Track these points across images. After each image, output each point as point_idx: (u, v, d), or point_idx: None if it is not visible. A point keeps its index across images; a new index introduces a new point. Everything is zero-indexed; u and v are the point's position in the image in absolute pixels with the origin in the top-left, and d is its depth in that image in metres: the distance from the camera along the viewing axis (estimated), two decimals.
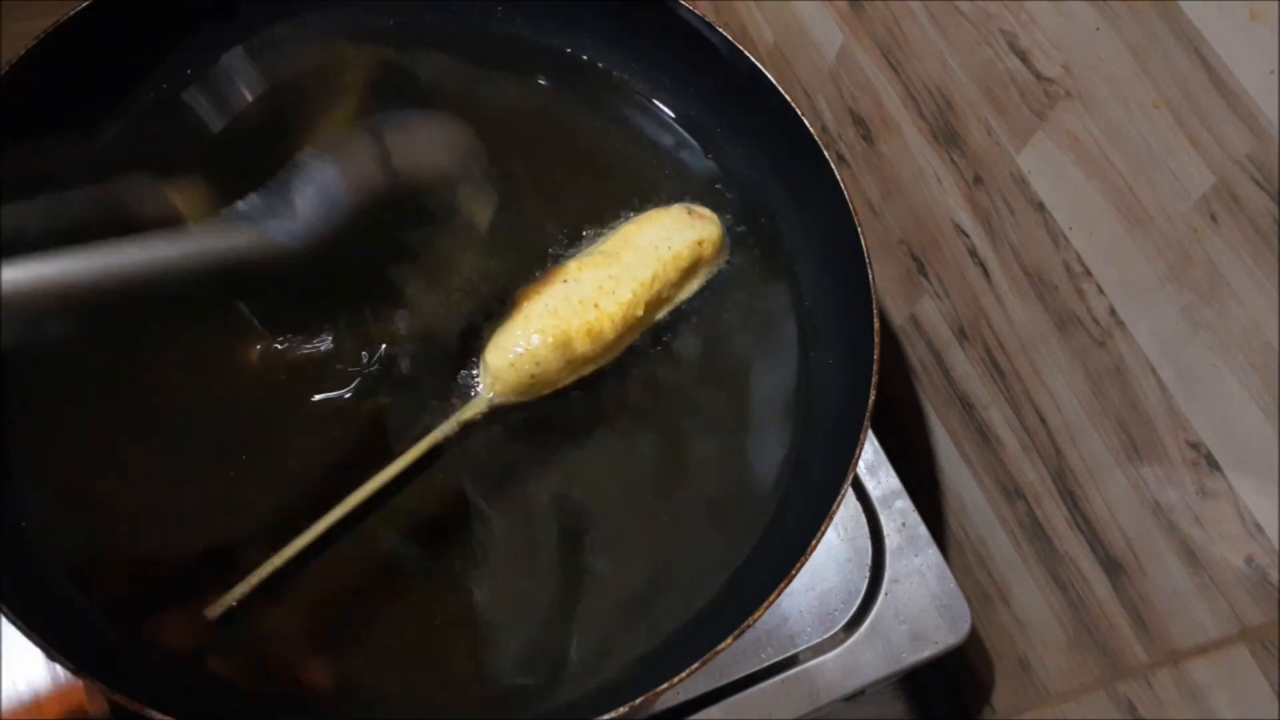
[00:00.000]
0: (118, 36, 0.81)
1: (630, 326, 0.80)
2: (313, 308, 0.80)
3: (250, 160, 0.85)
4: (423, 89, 0.90)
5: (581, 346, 0.77)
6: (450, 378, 0.78)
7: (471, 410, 0.77)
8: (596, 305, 0.77)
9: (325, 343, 0.79)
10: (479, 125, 0.90)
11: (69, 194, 0.73)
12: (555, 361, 0.77)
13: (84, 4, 0.78)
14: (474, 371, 0.78)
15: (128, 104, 0.84)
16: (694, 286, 0.84)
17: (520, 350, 0.76)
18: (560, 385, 0.79)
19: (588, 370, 0.79)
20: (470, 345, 0.79)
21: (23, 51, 0.76)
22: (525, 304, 0.78)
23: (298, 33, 0.89)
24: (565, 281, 0.78)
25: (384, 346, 0.79)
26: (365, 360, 0.78)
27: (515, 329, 0.77)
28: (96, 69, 0.81)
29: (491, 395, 0.77)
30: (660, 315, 0.83)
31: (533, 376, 0.76)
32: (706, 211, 0.84)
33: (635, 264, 0.79)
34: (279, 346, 0.78)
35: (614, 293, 0.78)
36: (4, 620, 0.63)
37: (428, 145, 0.81)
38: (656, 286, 0.80)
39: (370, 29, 0.91)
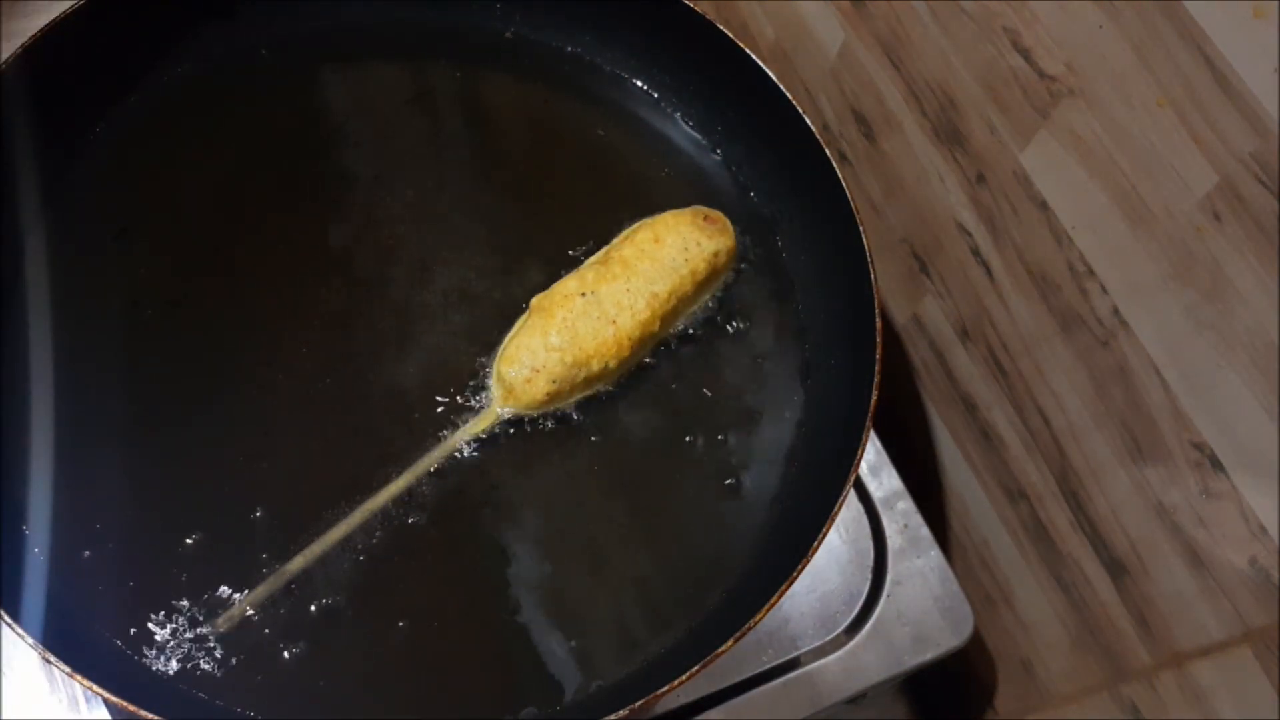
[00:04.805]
0: (115, 33, 0.81)
1: (645, 341, 0.79)
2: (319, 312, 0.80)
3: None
4: (423, 90, 0.90)
5: (598, 365, 0.77)
6: (460, 387, 0.78)
7: (482, 423, 0.76)
8: (614, 322, 0.77)
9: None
10: (481, 126, 0.90)
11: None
12: (571, 380, 0.77)
13: (80, 1, 0.78)
14: (486, 381, 0.78)
15: (125, 101, 0.84)
16: (706, 297, 0.84)
17: (537, 367, 0.76)
18: (573, 399, 0.78)
19: (601, 385, 0.79)
20: (482, 354, 0.79)
21: (18, 49, 0.75)
22: (542, 317, 0.77)
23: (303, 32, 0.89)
24: (584, 295, 0.78)
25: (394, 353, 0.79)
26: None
27: (533, 344, 0.76)
28: (93, 66, 0.81)
29: (503, 408, 0.77)
30: (674, 328, 0.82)
31: (548, 394, 0.76)
32: (720, 217, 0.83)
33: (653, 276, 0.79)
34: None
35: (631, 308, 0.78)
36: (3, 623, 0.63)
37: None
38: (673, 302, 0.80)
39: (369, 29, 0.91)
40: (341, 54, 0.90)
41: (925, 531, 0.91)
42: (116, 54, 0.82)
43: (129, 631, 0.69)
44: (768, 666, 0.84)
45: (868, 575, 0.89)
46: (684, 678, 0.66)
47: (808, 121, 0.81)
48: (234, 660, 0.69)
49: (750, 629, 0.67)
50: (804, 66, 1.03)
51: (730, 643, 0.67)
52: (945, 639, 0.87)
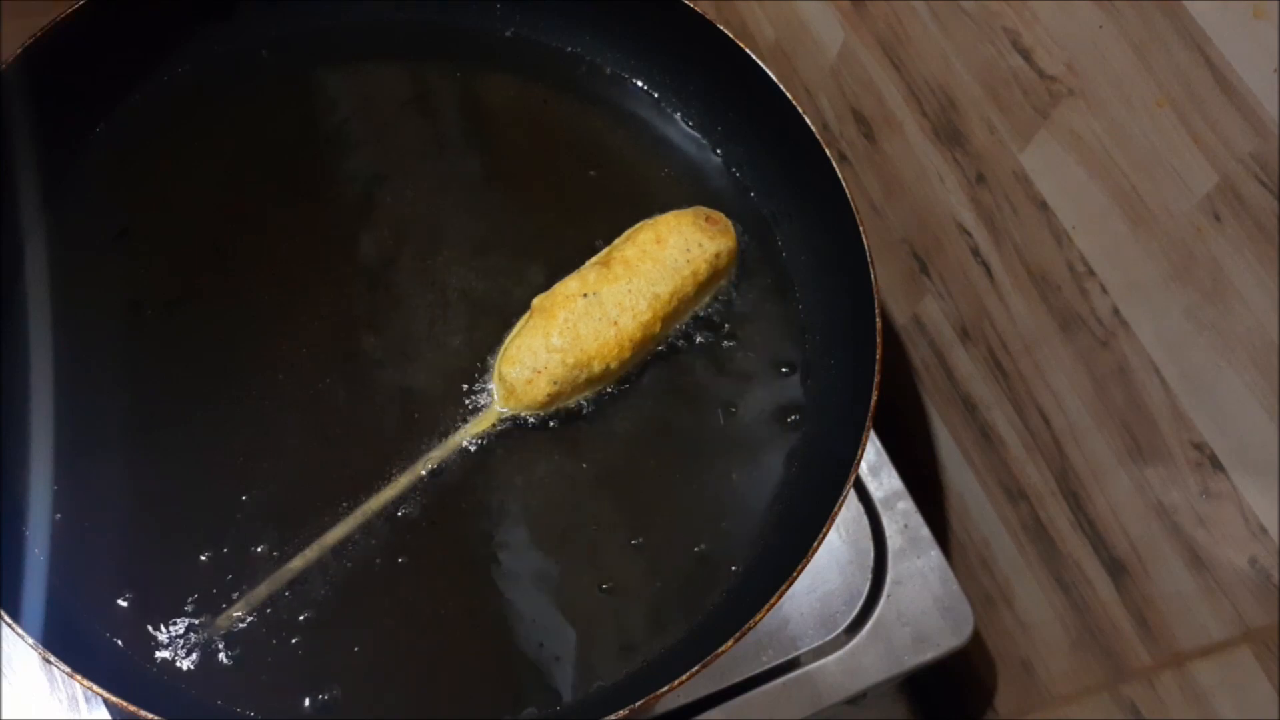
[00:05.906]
0: (115, 33, 0.81)
1: (647, 342, 0.79)
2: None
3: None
4: (423, 90, 0.90)
5: (599, 366, 0.77)
6: (461, 388, 0.78)
7: (483, 423, 0.76)
8: (616, 323, 0.77)
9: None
10: (481, 126, 0.90)
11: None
12: (572, 381, 0.77)
13: (80, 1, 0.78)
14: (487, 381, 0.78)
15: (125, 100, 0.84)
16: (706, 297, 0.84)
17: (538, 368, 0.76)
18: (574, 400, 0.78)
19: (602, 385, 0.79)
20: (483, 354, 0.79)
21: (18, 49, 0.75)
22: (544, 318, 0.77)
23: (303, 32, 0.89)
24: (585, 296, 0.77)
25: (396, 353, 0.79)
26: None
27: (535, 345, 0.76)
28: (93, 66, 0.81)
29: (503, 409, 0.77)
30: (675, 328, 0.82)
31: (549, 395, 0.76)
32: (721, 217, 0.83)
33: (655, 277, 0.79)
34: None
35: (633, 309, 0.78)
36: (3, 623, 0.63)
37: None
38: (674, 303, 0.80)
39: (369, 29, 0.91)
40: (341, 54, 0.90)
41: (925, 531, 0.91)
42: (116, 54, 0.82)
43: (129, 632, 0.69)
44: (768, 666, 0.84)
45: (868, 575, 0.89)
46: (684, 678, 0.66)
47: (808, 121, 0.81)
48: (234, 660, 0.69)
49: (751, 629, 0.67)
50: (804, 66, 1.03)
51: (731, 642, 0.67)
52: (945, 639, 0.87)
